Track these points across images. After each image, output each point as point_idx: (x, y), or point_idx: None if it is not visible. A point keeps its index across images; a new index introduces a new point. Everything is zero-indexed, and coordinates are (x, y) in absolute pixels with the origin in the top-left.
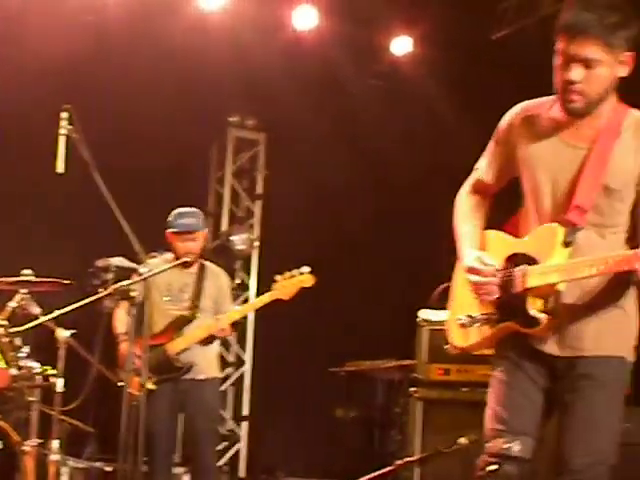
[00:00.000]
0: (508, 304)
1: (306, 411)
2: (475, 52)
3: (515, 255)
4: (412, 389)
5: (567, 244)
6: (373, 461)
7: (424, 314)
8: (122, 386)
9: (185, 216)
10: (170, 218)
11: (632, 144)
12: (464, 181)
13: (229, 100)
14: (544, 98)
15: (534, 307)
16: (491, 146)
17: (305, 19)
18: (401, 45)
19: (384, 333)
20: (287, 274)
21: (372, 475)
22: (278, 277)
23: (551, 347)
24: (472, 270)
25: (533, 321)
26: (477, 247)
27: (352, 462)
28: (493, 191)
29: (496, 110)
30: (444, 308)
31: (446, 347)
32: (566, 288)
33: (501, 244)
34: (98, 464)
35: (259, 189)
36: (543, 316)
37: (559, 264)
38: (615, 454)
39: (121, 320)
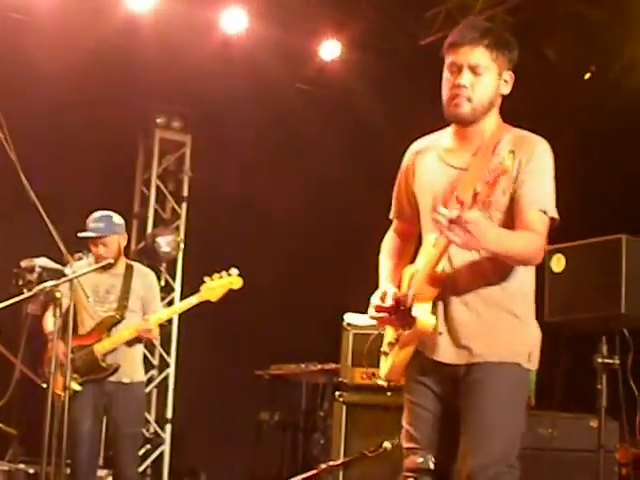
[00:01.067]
0: (404, 319)
1: (230, 414)
2: (403, 58)
3: (412, 275)
4: (336, 393)
5: (436, 245)
6: (297, 465)
7: (349, 318)
8: (46, 387)
9: (94, 221)
10: (86, 223)
11: (507, 158)
12: (387, 185)
13: (156, 102)
14: (435, 133)
15: (420, 309)
16: (395, 189)
17: (234, 22)
18: (330, 50)
19: (309, 337)
20: (215, 276)
21: (296, 479)
22: (206, 279)
23: (444, 356)
24: (371, 305)
25: (412, 320)
26: (389, 282)
27: (276, 466)
28: (412, 233)
29: (424, 116)
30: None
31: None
32: (456, 296)
33: (408, 273)
34: (21, 466)
35: (185, 191)
36: (419, 313)
37: (427, 259)
38: (514, 455)
39: (50, 320)
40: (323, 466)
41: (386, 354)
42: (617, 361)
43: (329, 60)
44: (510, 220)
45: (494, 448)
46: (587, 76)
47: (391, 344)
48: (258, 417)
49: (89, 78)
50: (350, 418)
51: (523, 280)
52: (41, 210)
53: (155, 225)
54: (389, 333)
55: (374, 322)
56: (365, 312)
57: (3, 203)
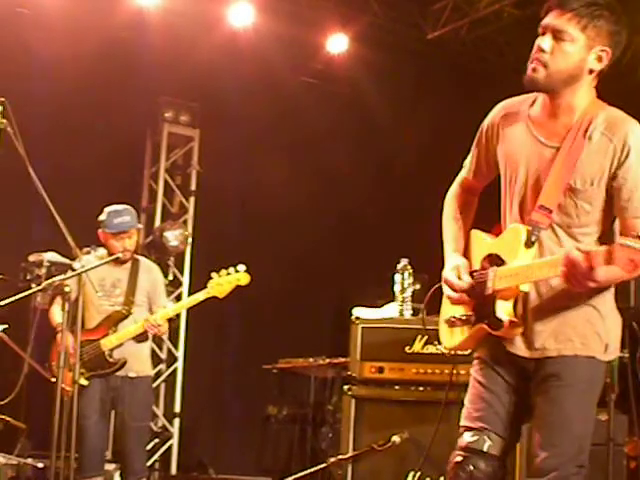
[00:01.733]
0: (481, 306)
1: (238, 408)
2: (410, 51)
3: (490, 255)
4: (345, 387)
5: (530, 245)
6: (306, 458)
7: (358, 312)
8: (55, 382)
9: (119, 215)
10: (103, 217)
11: (600, 143)
12: (394, 176)
13: (164, 96)
14: (526, 95)
15: (503, 309)
16: (474, 145)
17: (242, 16)
18: (337, 43)
19: (317, 330)
20: (223, 272)
21: (305, 472)
22: (214, 275)
23: (520, 349)
24: (447, 282)
25: (499, 323)
26: (460, 250)
27: (284, 459)
28: (479, 188)
29: (429, 108)
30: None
31: (438, 347)
32: (534, 289)
33: (480, 244)
34: (30, 460)
35: (193, 185)
36: (506, 318)
37: (520, 266)
38: (585, 454)
39: (58, 313)
40: (332, 460)
41: (452, 324)
42: (627, 354)
43: (336, 54)
44: (603, 215)
45: (566, 448)
46: None
47: (461, 320)
48: (266, 411)
49: (96, 73)
50: (359, 412)
51: None
52: (50, 205)
53: (163, 219)
54: (457, 307)
55: (383, 315)
56: (373, 306)
57: (12, 198)
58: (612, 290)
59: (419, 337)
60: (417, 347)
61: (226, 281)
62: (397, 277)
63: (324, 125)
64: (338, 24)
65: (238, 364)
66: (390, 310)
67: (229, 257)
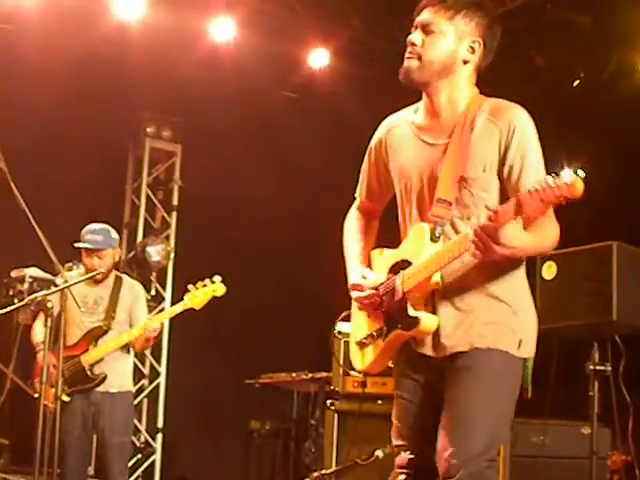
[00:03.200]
0: (392, 314)
1: (221, 423)
2: (392, 65)
3: (396, 264)
4: (328, 401)
5: (435, 239)
6: (289, 474)
7: (340, 326)
8: (37, 398)
9: (91, 233)
10: (81, 234)
11: (486, 128)
12: None
13: (145, 111)
14: (408, 107)
15: (415, 306)
16: (363, 166)
17: (223, 31)
18: (318, 58)
19: (300, 345)
20: (199, 283)
21: None
22: (190, 287)
23: (431, 349)
24: (354, 287)
25: (413, 321)
26: (362, 264)
27: (268, 475)
28: (376, 211)
29: None
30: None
31: (351, 373)
32: (443, 285)
33: (383, 259)
34: (12, 476)
35: (175, 200)
36: (420, 313)
37: (429, 256)
38: (496, 448)
39: (39, 330)
40: (315, 475)
41: (364, 345)
42: (609, 368)
43: (317, 68)
44: (501, 200)
45: (475, 443)
46: (576, 83)
47: (372, 336)
48: (249, 426)
49: (78, 88)
50: (342, 426)
51: (511, 265)
52: (32, 220)
53: (145, 234)
54: (363, 323)
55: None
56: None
57: None
58: (526, 286)
59: None
60: None
61: (202, 292)
62: None
63: (306, 140)
64: (319, 39)
65: (221, 379)
66: None
67: (211, 272)
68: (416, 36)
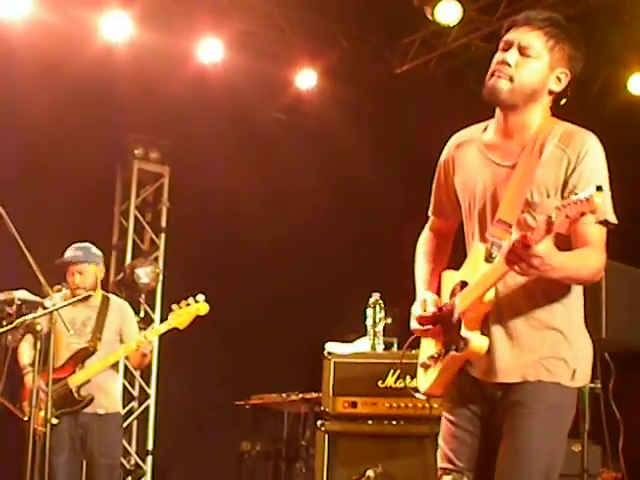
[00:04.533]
0: (450, 335)
1: (212, 445)
2: (379, 86)
3: (456, 286)
4: (318, 422)
5: (490, 259)
6: None
7: (330, 347)
8: (27, 421)
9: (72, 250)
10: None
11: (554, 154)
12: (364, 211)
13: (133, 133)
14: (478, 124)
15: (468, 327)
16: (434, 184)
17: (210, 52)
18: (306, 79)
19: (290, 366)
20: (182, 302)
21: None
22: (174, 306)
23: (484, 373)
24: (413, 315)
25: (464, 341)
26: (427, 288)
27: None
28: (449, 230)
29: (398, 143)
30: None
31: (416, 395)
32: (498, 311)
33: (449, 280)
34: None
35: (163, 222)
36: (471, 333)
37: (477, 279)
38: None
39: (26, 352)
40: None
41: (426, 367)
42: (599, 385)
43: (305, 89)
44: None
45: (532, 478)
46: (563, 101)
47: (433, 358)
48: (240, 447)
49: (65, 110)
50: (332, 447)
51: (567, 290)
52: (20, 242)
53: (134, 256)
54: (430, 345)
55: (356, 350)
56: (345, 341)
57: None
58: (580, 313)
59: (392, 371)
60: (390, 381)
61: (185, 312)
62: (369, 311)
63: (295, 160)
64: (307, 60)
65: (211, 400)
66: (362, 345)
67: (201, 293)
68: (511, 56)
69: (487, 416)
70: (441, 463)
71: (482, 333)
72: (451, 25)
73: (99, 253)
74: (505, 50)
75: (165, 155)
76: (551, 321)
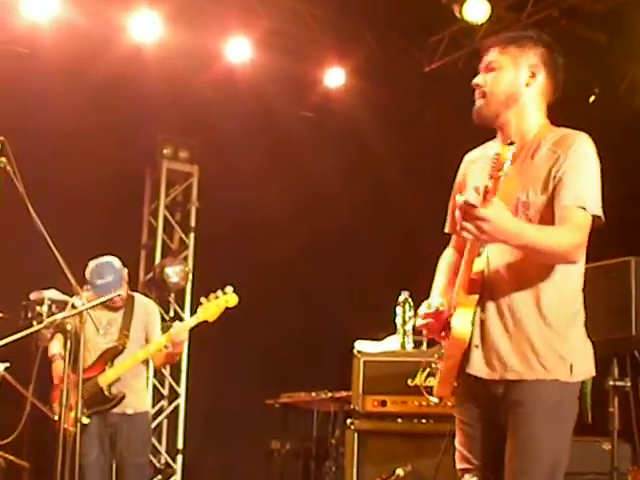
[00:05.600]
0: (447, 331)
1: (241, 443)
2: (407, 84)
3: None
4: (348, 421)
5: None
6: None
7: (360, 345)
8: (57, 420)
9: (100, 275)
10: (87, 275)
11: (546, 156)
12: (393, 209)
13: (162, 132)
14: (488, 142)
15: (457, 316)
16: (451, 202)
17: (239, 52)
18: (334, 77)
19: (319, 364)
20: (211, 295)
21: None
22: (203, 300)
23: (481, 370)
24: (419, 316)
25: (449, 328)
26: (439, 295)
27: None
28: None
29: (426, 141)
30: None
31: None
32: (494, 308)
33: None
34: None
35: (192, 221)
36: (455, 320)
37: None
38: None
39: (55, 345)
40: None
41: (437, 370)
42: (628, 383)
43: (333, 88)
44: (549, 221)
45: (536, 475)
46: (592, 99)
47: (439, 359)
48: (269, 446)
49: (94, 110)
50: (362, 446)
51: (563, 284)
52: (50, 242)
53: (163, 256)
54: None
55: (385, 348)
56: (374, 339)
57: (12, 236)
58: (576, 308)
59: (421, 369)
60: (419, 379)
61: (214, 304)
62: (398, 310)
63: (323, 159)
64: (335, 58)
65: (240, 399)
66: (392, 343)
67: (227, 286)
68: (479, 78)
69: (492, 414)
70: (459, 464)
71: (476, 324)
72: (479, 23)
73: (120, 264)
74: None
75: (194, 155)
76: (546, 315)
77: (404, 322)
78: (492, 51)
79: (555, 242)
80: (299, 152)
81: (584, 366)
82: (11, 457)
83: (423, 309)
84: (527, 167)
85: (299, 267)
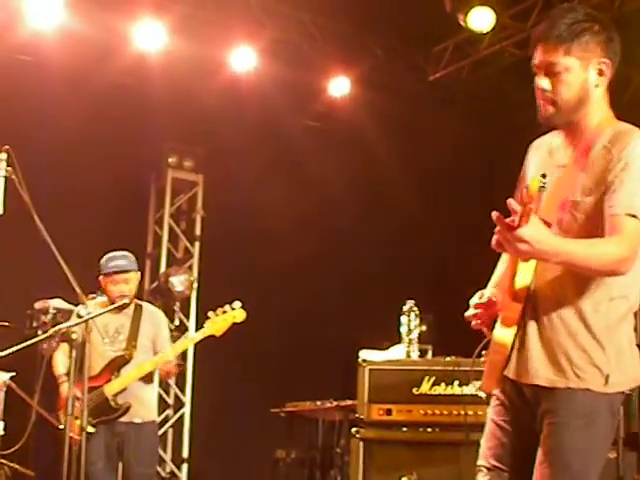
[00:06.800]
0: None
1: (247, 452)
2: (412, 93)
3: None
4: (353, 429)
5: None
6: None
7: (365, 354)
8: (63, 429)
9: (115, 259)
10: (102, 263)
11: (600, 154)
12: (398, 218)
13: (167, 141)
14: (555, 131)
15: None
16: (517, 190)
17: (243, 61)
18: (339, 86)
19: (324, 373)
20: (219, 310)
21: None
22: (210, 314)
23: (516, 373)
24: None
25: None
26: (493, 287)
27: None
28: None
29: (432, 150)
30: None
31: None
32: (533, 314)
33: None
34: None
35: (197, 230)
36: (497, 327)
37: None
38: None
39: (61, 361)
40: None
41: (484, 364)
42: (635, 391)
43: (338, 97)
44: (595, 224)
45: None
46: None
47: (487, 354)
48: (275, 455)
49: (100, 118)
50: (367, 454)
51: (605, 292)
52: (55, 251)
53: (168, 264)
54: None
55: (390, 357)
56: (379, 349)
57: (17, 244)
58: (621, 314)
59: (426, 378)
60: (425, 388)
61: (222, 319)
62: (403, 319)
63: (328, 168)
64: (340, 67)
65: (246, 408)
66: (397, 352)
67: (236, 300)
68: (543, 81)
69: (525, 419)
70: (480, 460)
71: (518, 332)
72: (484, 32)
73: (135, 260)
74: (537, 74)
75: (199, 163)
76: (585, 324)
77: (409, 331)
78: (553, 50)
79: (601, 259)
80: (304, 161)
81: (624, 378)
82: (17, 466)
83: (475, 299)
84: (580, 165)
85: (304, 275)
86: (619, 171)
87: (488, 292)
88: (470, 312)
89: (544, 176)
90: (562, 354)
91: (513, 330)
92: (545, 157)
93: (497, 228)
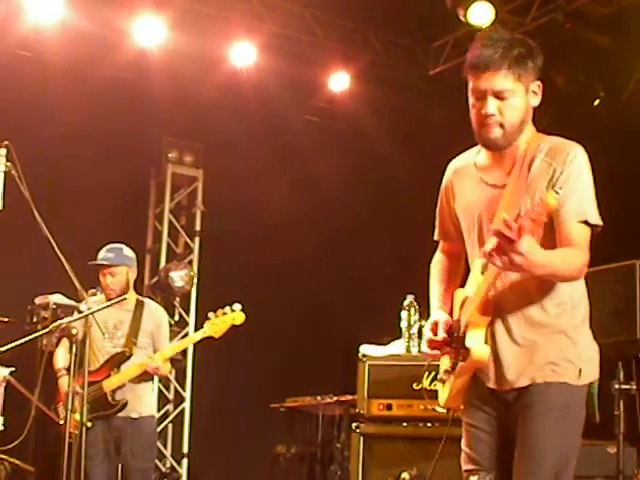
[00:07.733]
0: (458, 348)
1: (247, 447)
2: (412, 88)
3: (463, 301)
4: (353, 424)
5: (485, 271)
6: None
7: (364, 349)
8: (62, 424)
9: (105, 251)
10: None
11: (542, 168)
12: (398, 214)
13: (167, 136)
14: (472, 149)
15: (471, 337)
16: (437, 210)
17: (243, 56)
18: (339, 81)
19: (325, 368)
20: (219, 311)
21: None
22: (210, 315)
23: (495, 383)
24: (425, 341)
25: (466, 351)
26: (440, 307)
27: None
28: (458, 251)
29: (431, 145)
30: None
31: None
32: (502, 322)
33: (458, 297)
34: None
35: (197, 226)
36: (473, 343)
37: (474, 291)
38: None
39: (61, 356)
40: None
41: (443, 382)
42: (634, 387)
43: (338, 92)
44: (550, 233)
45: (542, 477)
46: (596, 102)
47: (447, 372)
48: (274, 450)
49: (99, 114)
50: (367, 449)
51: (569, 292)
52: (55, 246)
53: (168, 260)
54: (445, 361)
55: (390, 352)
56: (379, 344)
57: (17, 240)
58: (584, 313)
59: (427, 373)
60: (425, 383)
61: (221, 321)
62: (403, 314)
63: (328, 163)
64: (340, 62)
65: (246, 403)
66: (397, 347)
67: (235, 296)
68: (491, 106)
69: (502, 418)
70: (465, 465)
71: (487, 342)
72: (484, 27)
73: (132, 255)
74: (479, 98)
75: (199, 158)
76: (554, 322)
77: (409, 326)
78: (504, 77)
79: (573, 268)
80: (304, 156)
81: (592, 369)
82: (16, 461)
83: (428, 333)
84: (522, 181)
85: (304, 271)
86: (564, 182)
87: (441, 324)
88: (428, 352)
89: (557, 192)
90: (538, 353)
91: (486, 347)
92: (473, 180)
93: (494, 241)
